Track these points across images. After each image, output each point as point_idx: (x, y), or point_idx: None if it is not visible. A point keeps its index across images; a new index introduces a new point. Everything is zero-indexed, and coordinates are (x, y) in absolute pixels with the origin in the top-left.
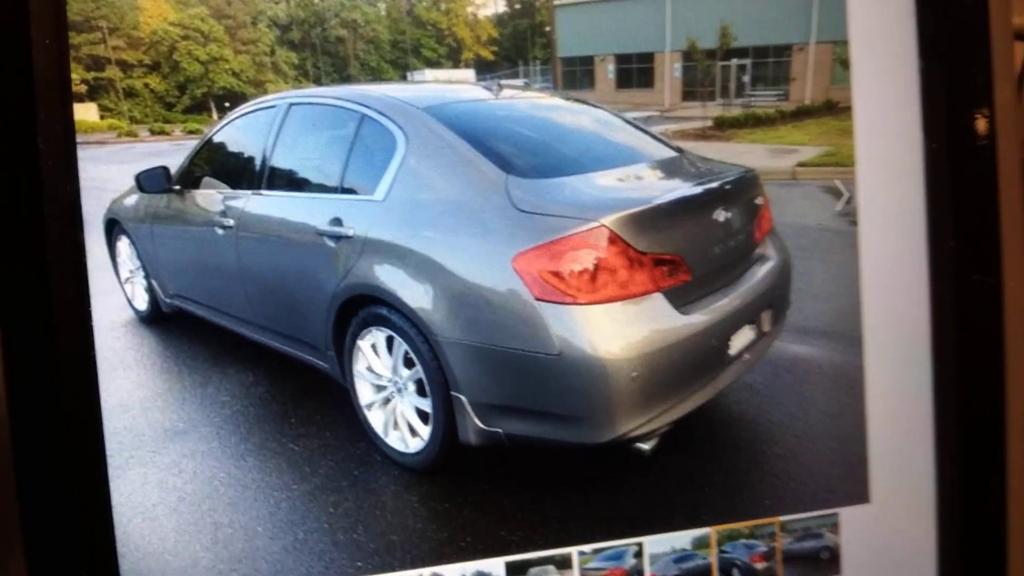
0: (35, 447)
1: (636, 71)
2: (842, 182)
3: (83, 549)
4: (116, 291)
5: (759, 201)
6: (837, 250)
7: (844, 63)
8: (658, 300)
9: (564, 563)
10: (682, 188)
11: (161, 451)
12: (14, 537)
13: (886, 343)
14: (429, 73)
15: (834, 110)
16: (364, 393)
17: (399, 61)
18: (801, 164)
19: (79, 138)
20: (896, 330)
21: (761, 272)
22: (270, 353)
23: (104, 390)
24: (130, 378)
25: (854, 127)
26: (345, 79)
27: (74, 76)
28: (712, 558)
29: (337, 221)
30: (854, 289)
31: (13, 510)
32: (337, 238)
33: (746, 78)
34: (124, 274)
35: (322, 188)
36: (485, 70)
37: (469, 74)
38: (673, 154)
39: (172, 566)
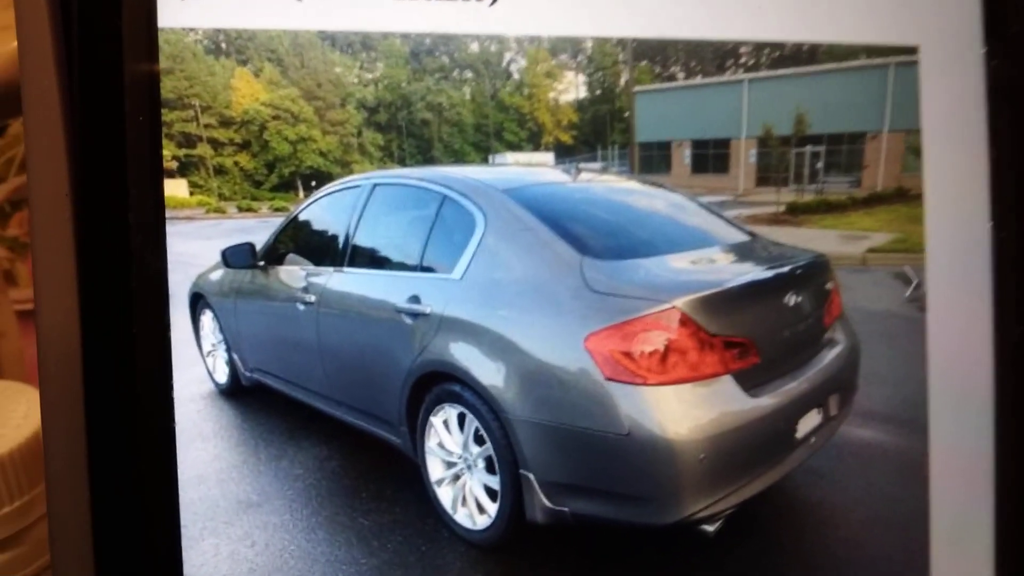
0: (113, 516)
1: (712, 156)
2: (911, 268)
3: None
4: (198, 364)
5: (829, 286)
6: (904, 336)
7: (916, 151)
8: (727, 382)
9: None
10: (754, 272)
11: (234, 522)
12: None
13: (951, 430)
14: (510, 156)
15: (905, 197)
16: (435, 469)
17: (481, 144)
18: (871, 250)
19: (168, 213)
20: (961, 417)
21: (830, 356)
22: (344, 428)
23: (182, 461)
24: (207, 450)
25: (924, 214)
26: (428, 161)
27: (166, 153)
28: None
29: (415, 299)
30: (921, 375)
31: (93, 574)
32: (415, 315)
33: (819, 164)
34: (206, 347)
35: (402, 266)
36: (564, 154)
37: (548, 157)
38: (745, 238)
39: None
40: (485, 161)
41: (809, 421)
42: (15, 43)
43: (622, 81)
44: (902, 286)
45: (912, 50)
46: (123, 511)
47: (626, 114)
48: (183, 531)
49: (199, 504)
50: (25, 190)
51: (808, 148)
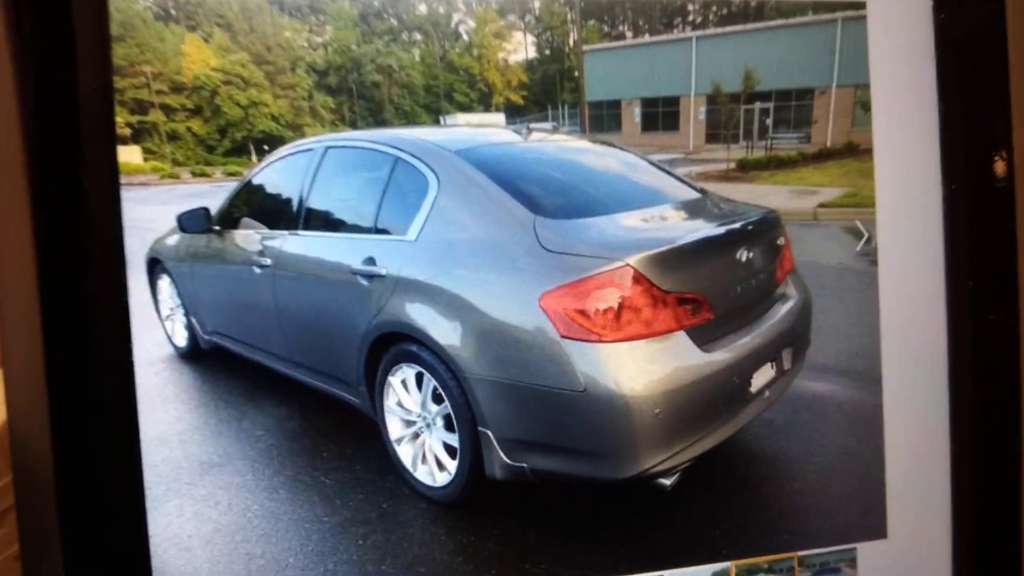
0: (77, 479)
1: (662, 114)
2: (862, 223)
3: None
4: (156, 328)
5: (780, 241)
6: (857, 289)
7: (865, 106)
8: (681, 338)
9: None
10: (705, 229)
11: (197, 483)
12: (57, 565)
13: (904, 381)
14: (461, 117)
15: (855, 152)
16: (394, 428)
17: (432, 105)
18: (822, 205)
19: (123, 179)
20: (914, 368)
21: (782, 311)
22: (303, 389)
23: (144, 424)
24: (169, 412)
25: (875, 169)
26: (380, 123)
27: (119, 120)
28: None
29: (370, 260)
30: (873, 328)
31: (56, 538)
32: (370, 277)
33: (768, 121)
34: (164, 312)
35: (356, 228)
36: (515, 114)
37: (500, 118)
38: (697, 195)
39: None
40: (436, 122)
41: (763, 375)
42: None
43: (571, 41)
44: (853, 240)
45: (860, 4)
46: (87, 473)
47: (575, 74)
48: (147, 492)
49: (162, 466)
50: None
51: (757, 104)
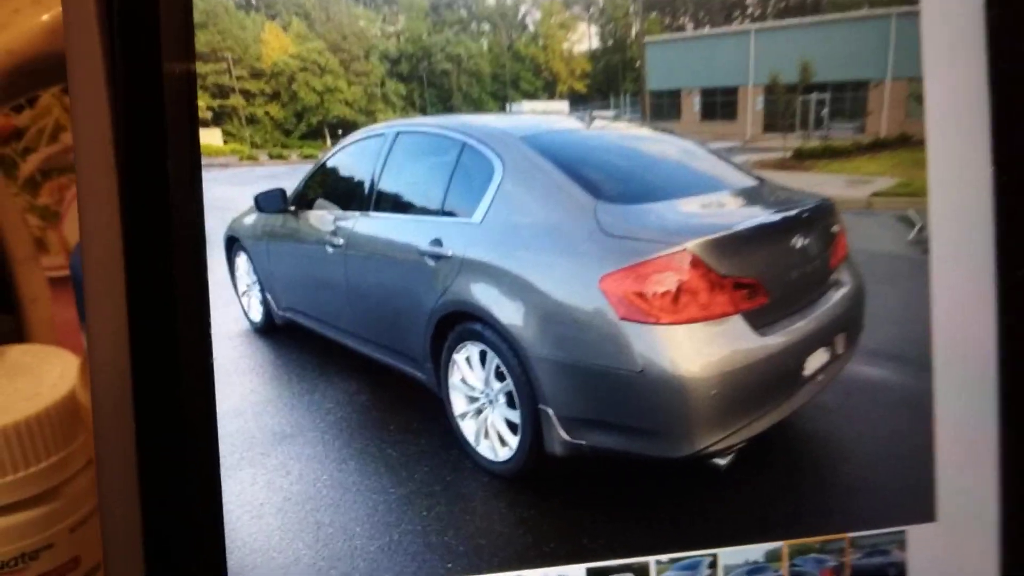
0: (156, 448)
1: (720, 104)
2: (915, 212)
3: (195, 545)
4: (233, 303)
5: (835, 229)
6: (909, 277)
7: (918, 98)
8: (737, 321)
9: (642, 571)
10: (762, 215)
11: (270, 453)
12: (135, 530)
13: (954, 367)
14: (526, 104)
15: (908, 143)
16: (458, 404)
17: (499, 93)
18: (876, 194)
19: (204, 161)
20: (964, 355)
21: (836, 297)
22: (372, 364)
23: (220, 395)
24: (244, 384)
25: (927, 159)
26: (448, 109)
27: (201, 103)
28: (784, 571)
29: (437, 242)
30: (924, 315)
31: (135, 505)
32: (437, 257)
33: (824, 111)
34: (241, 288)
35: (424, 211)
36: (578, 102)
37: (563, 105)
38: (753, 183)
39: (276, 562)
40: (502, 109)
41: (817, 359)
42: (45, 16)
43: (633, 32)
44: (906, 229)
45: (913, 0)
46: (166, 442)
47: (637, 64)
48: (222, 461)
49: (236, 436)
50: (55, 159)
51: (813, 95)
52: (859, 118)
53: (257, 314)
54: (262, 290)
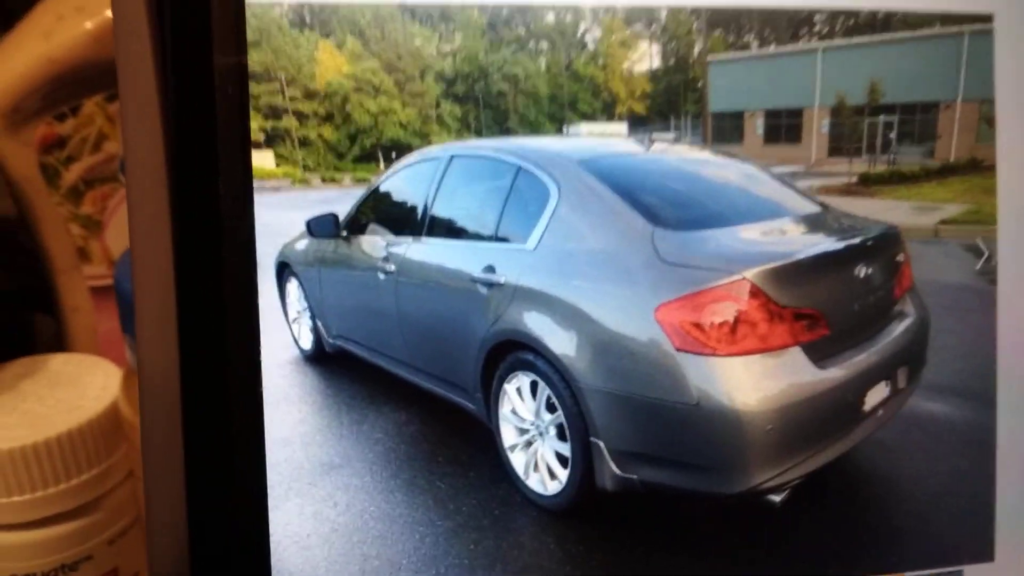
0: (205, 474)
1: (784, 126)
2: (983, 240)
3: (242, 574)
4: (283, 330)
5: (900, 258)
6: (975, 309)
7: (989, 121)
8: (796, 354)
9: None
10: (824, 243)
11: (318, 483)
12: (182, 558)
13: (1019, 403)
14: (584, 126)
15: (978, 168)
16: (508, 435)
17: (556, 115)
18: (943, 222)
19: (256, 183)
20: None
21: (899, 329)
22: (422, 394)
23: (268, 424)
24: (292, 413)
25: (997, 185)
26: (504, 131)
27: (253, 125)
28: None
29: (490, 268)
30: (990, 348)
31: (184, 531)
32: (489, 285)
33: (892, 134)
34: (292, 314)
35: (478, 236)
36: (638, 124)
37: (622, 128)
38: (817, 209)
39: None
40: (559, 131)
41: (877, 393)
42: (89, 23)
43: (696, 51)
44: (973, 258)
45: (987, 18)
46: (214, 472)
47: (699, 84)
48: (270, 491)
49: (284, 465)
50: (98, 169)
51: (881, 118)
52: (928, 142)
53: (307, 341)
54: (312, 317)
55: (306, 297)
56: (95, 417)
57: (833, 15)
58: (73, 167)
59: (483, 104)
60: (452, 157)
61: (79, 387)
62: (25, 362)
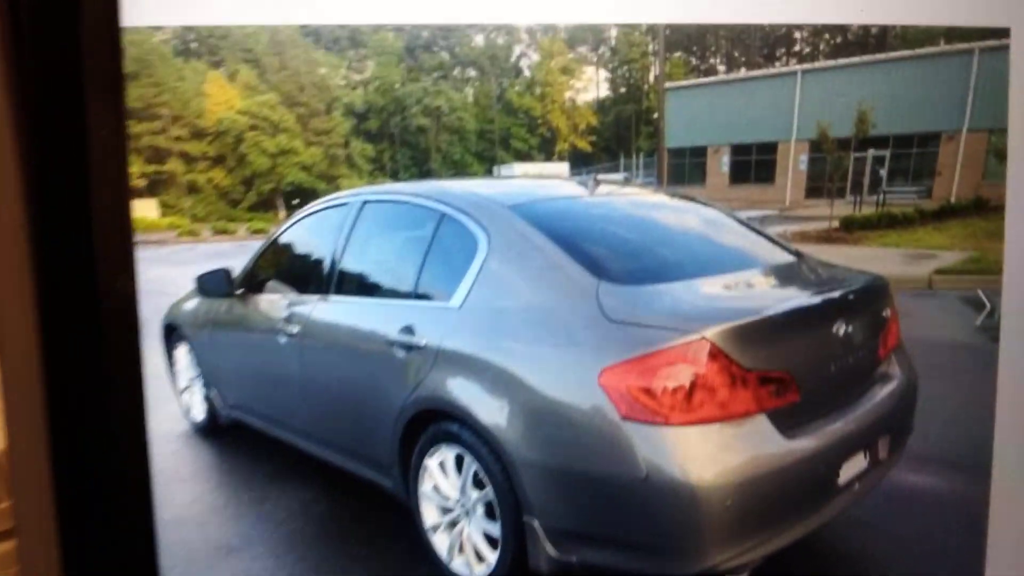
0: (92, 561)
1: (755, 163)
2: (985, 292)
3: None
4: (172, 400)
5: (886, 313)
6: (971, 369)
7: (1000, 154)
8: (761, 422)
9: None
10: (798, 298)
11: (216, 567)
12: None
13: (1018, 477)
14: (518, 167)
15: (983, 209)
16: (429, 515)
17: (485, 153)
18: (939, 271)
19: (138, 237)
20: None
21: (882, 393)
22: (331, 470)
23: (159, 503)
24: (185, 492)
25: (1005, 229)
26: (425, 174)
27: (133, 170)
28: None
29: (408, 330)
30: (986, 414)
31: None
32: (408, 348)
33: (883, 171)
34: (181, 383)
35: (394, 293)
36: (581, 163)
37: (563, 168)
38: (790, 259)
39: None
40: (490, 173)
41: (854, 465)
42: None
43: (651, 76)
44: (973, 312)
45: (1002, 32)
46: (101, 556)
47: (655, 115)
48: (164, 575)
49: (178, 547)
50: None
51: (870, 152)
52: (925, 179)
53: (200, 412)
54: (205, 385)
55: (198, 363)
56: None
57: (816, 32)
58: None
59: (400, 142)
60: (364, 203)
61: None
62: None
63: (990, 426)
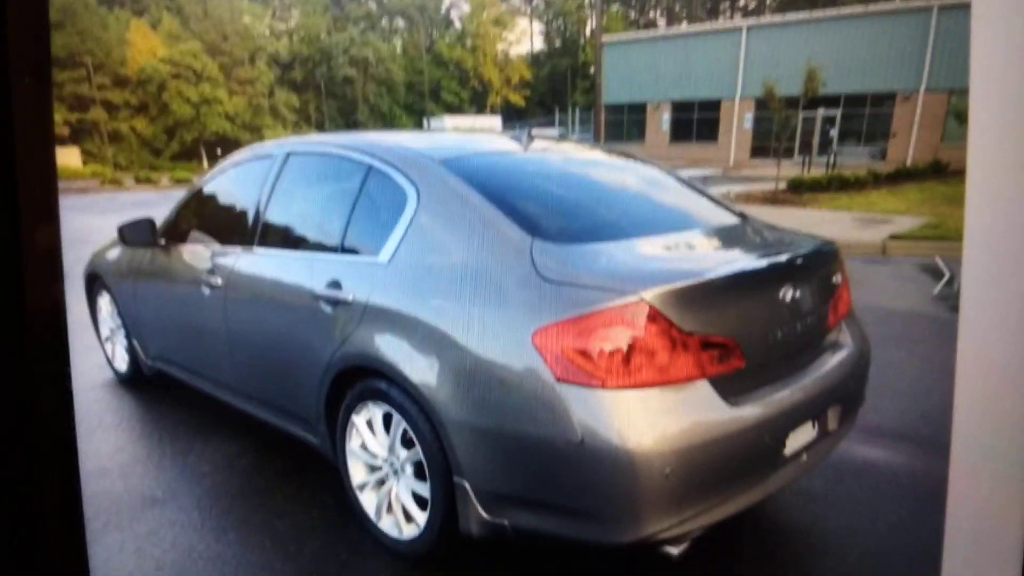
0: (11, 509)
1: (697, 121)
2: (944, 260)
3: None
4: (96, 349)
5: (837, 279)
6: (929, 340)
7: (960, 116)
8: (703, 388)
9: None
10: (742, 261)
11: (139, 518)
12: None
13: (979, 450)
14: (449, 120)
15: (942, 173)
16: (356, 473)
17: (415, 106)
18: (894, 237)
19: (61, 184)
20: (993, 437)
21: (832, 362)
22: (257, 424)
23: (82, 453)
24: (109, 442)
25: (966, 194)
26: (352, 125)
27: (57, 117)
28: None
29: (335, 284)
30: (946, 386)
31: None
32: (335, 303)
33: (833, 132)
34: (104, 332)
35: (321, 247)
36: (514, 118)
37: (495, 122)
38: (735, 220)
39: None
40: (419, 125)
41: (801, 435)
42: None
43: (588, 29)
44: (930, 280)
45: None
46: (23, 503)
47: (591, 70)
48: (87, 525)
49: (102, 498)
50: None
51: (820, 111)
52: (879, 141)
53: (123, 363)
54: (128, 335)
55: (120, 313)
56: None
57: None
58: None
59: (326, 92)
60: (289, 155)
61: None
62: None
63: (947, 399)
